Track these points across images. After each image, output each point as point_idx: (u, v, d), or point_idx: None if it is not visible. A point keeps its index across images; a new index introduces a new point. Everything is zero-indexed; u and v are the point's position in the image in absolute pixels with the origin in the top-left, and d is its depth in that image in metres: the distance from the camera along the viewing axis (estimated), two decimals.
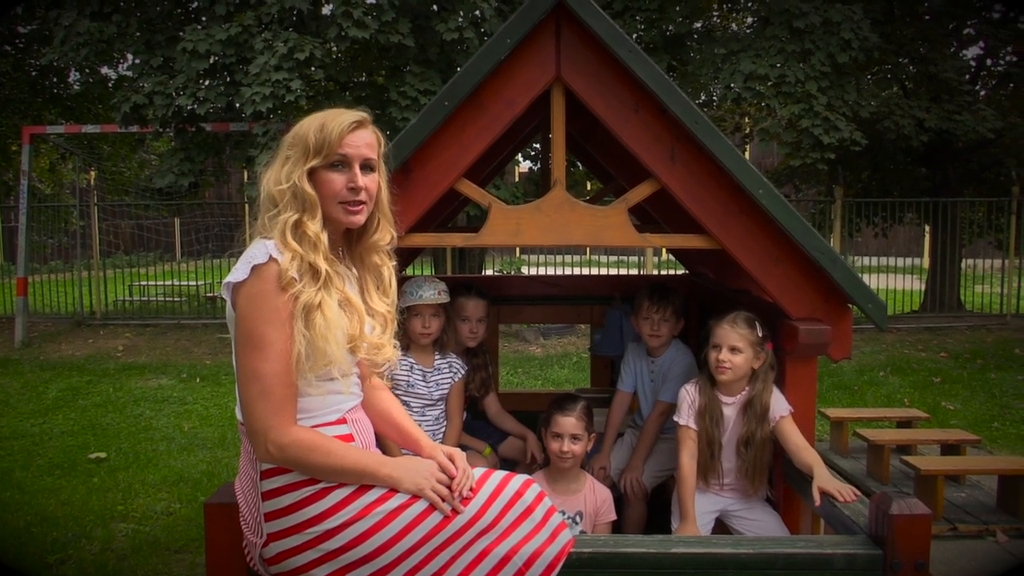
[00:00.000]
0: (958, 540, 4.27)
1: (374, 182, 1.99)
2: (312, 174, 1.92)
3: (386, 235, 2.08)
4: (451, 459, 2.01)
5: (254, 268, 1.83)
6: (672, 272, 5.40)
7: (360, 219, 1.99)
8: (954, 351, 9.75)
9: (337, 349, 1.87)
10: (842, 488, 2.42)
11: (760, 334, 2.84)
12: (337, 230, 2.02)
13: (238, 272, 1.85)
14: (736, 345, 2.82)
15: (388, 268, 2.12)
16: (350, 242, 2.10)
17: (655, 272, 12.84)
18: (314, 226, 1.90)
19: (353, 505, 1.87)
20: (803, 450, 2.67)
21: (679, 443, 2.96)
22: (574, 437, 2.95)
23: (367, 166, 1.97)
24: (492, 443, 3.69)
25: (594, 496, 3.03)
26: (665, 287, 3.57)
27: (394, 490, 1.91)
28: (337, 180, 1.93)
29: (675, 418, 3.00)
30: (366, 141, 1.97)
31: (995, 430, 6.56)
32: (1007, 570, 3.91)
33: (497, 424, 3.75)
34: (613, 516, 3.06)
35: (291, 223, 1.88)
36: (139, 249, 15.87)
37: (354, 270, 2.09)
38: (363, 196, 1.96)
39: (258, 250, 1.85)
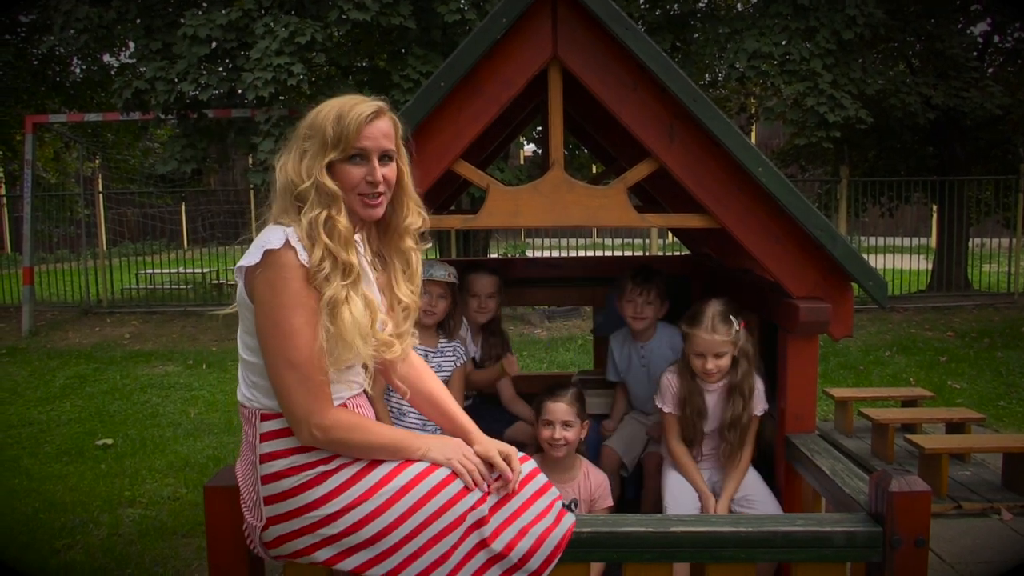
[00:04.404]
0: (962, 518, 4.26)
1: (393, 172, 1.96)
2: (330, 167, 1.89)
3: (417, 219, 2.05)
4: (506, 458, 1.99)
5: (267, 252, 1.79)
6: (676, 253, 5.35)
7: (379, 212, 1.95)
8: (961, 330, 9.70)
9: (363, 345, 1.85)
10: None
11: (736, 326, 2.85)
12: (358, 221, 1.98)
13: (250, 256, 1.82)
14: (719, 351, 2.84)
15: (417, 254, 2.09)
16: (380, 231, 2.06)
17: (660, 253, 12.80)
18: (343, 220, 1.87)
19: (353, 489, 1.87)
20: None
21: (665, 430, 3.00)
22: (566, 424, 2.93)
23: (386, 156, 1.93)
24: (500, 427, 3.69)
25: (588, 482, 3.01)
26: (649, 269, 3.51)
27: (396, 471, 1.90)
28: (356, 173, 1.89)
29: (658, 404, 3.04)
30: (383, 132, 1.91)
31: (1001, 408, 6.54)
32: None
33: (510, 409, 3.75)
34: (610, 502, 3.03)
35: (322, 219, 1.84)
36: (145, 237, 15.87)
37: (373, 262, 2.06)
38: (382, 188, 1.93)
39: (273, 235, 1.81)
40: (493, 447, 2.02)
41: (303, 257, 1.80)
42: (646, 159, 2.70)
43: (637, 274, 3.44)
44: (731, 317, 2.85)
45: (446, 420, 2.17)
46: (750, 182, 2.60)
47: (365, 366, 2.01)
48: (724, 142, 2.53)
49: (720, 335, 2.82)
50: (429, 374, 2.23)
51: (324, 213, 1.85)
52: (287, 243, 1.79)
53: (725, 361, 2.85)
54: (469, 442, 2.05)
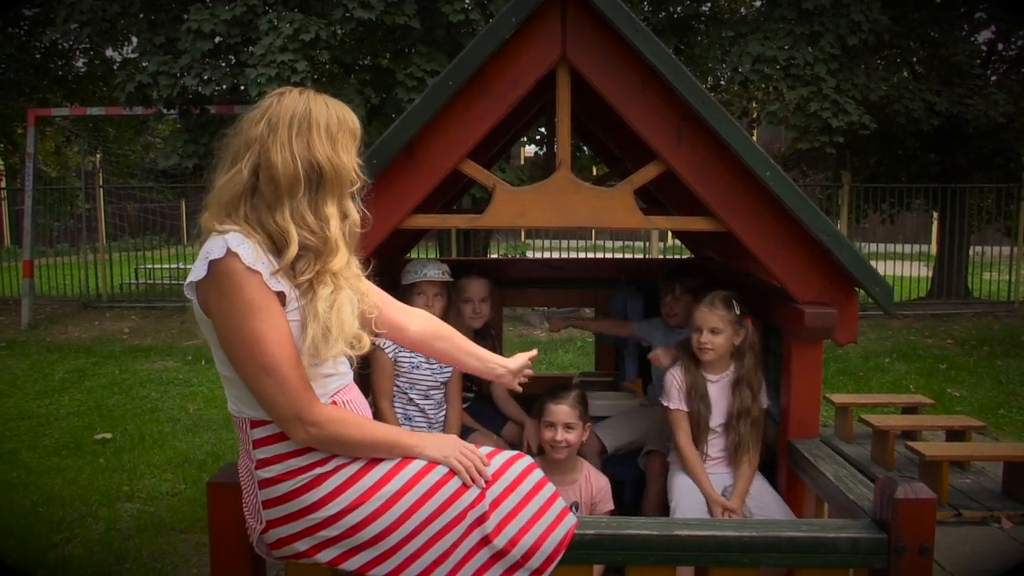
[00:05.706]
0: (962, 526, 4.25)
1: None
2: None
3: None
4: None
5: (211, 264, 1.74)
6: (679, 256, 5.36)
7: None
8: (961, 338, 9.70)
9: (347, 336, 1.84)
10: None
11: (738, 312, 2.94)
12: None
13: (197, 271, 1.77)
14: (715, 326, 2.93)
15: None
16: None
17: (660, 256, 12.79)
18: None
19: (351, 491, 1.86)
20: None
21: (673, 427, 3.00)
22: (567, 426, 2.93)
23: None
24: (496, 427, 3.68)
25: (590, 485, 3.00)
26: (680, 267, 3.67)
27: (394, 472, 1.89)
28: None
29: (665, 403, 3.04)
30: None
31: (1001, 417, 6.54)
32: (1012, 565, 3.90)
33: (501, 409, 3.75)
34: (611, 505, 3.02)
35: (353, 209, 1.90)
36: (145, 232, 15.85)
37: None
38: None
39: (214, 245, 1.76)
40: (519, 360, 2.25)
41: (248, 260, 1.74)
42: (653, 161, 2.69)
43: (665, 273, 3.64)
44: (734, 303, 2.95)
45: (471, 356, 2.27)
46: (757, 185, 2.59)
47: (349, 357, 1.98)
48: (732, 145, 2.53)
49: (718, 311, 2.93)
50: (439, 323, 2.29)
51: (348, 202, 1.89)
52: (229, 251, 1.73)
53: (720, 339, 2.93)
54: (499, 373, 2.24)
